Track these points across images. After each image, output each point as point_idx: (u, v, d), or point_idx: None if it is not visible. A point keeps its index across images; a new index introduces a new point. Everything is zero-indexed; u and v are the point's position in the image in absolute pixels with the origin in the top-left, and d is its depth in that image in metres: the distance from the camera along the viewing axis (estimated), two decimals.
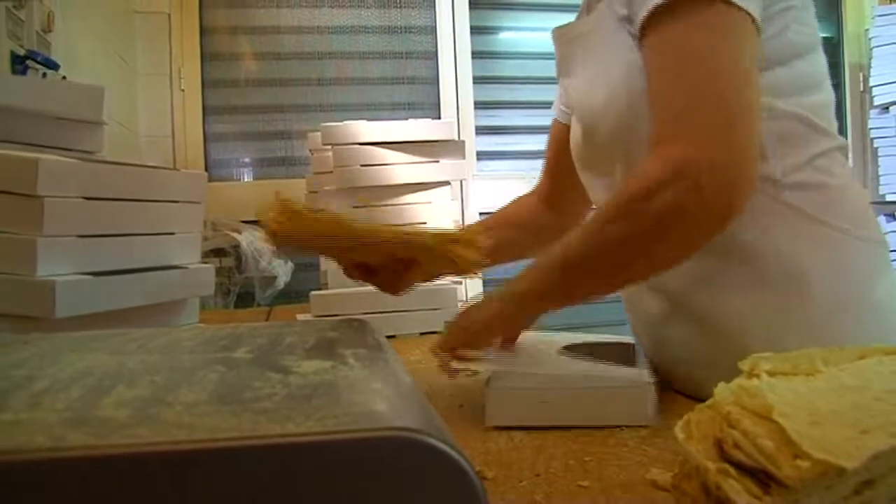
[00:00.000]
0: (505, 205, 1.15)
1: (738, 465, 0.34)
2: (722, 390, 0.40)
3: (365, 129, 1.38)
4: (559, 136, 1.04)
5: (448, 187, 1.43)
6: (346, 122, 1.39)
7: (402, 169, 1.38)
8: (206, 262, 1.04)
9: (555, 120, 1.08)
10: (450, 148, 1.41)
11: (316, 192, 1.48)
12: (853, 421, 0.35)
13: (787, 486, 0.31)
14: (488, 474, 0.54)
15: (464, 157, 1.42)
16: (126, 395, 0.30)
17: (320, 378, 0.32)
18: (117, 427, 0.25)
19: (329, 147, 1.41)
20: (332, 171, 1.40)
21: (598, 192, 0.90)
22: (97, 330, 0.53)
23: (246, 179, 2.75)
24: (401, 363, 0.41)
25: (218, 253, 2.22)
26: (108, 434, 0.24)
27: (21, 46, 1.51)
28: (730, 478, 0.33)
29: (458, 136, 2.67)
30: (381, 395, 0.29)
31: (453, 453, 0.24)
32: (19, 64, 1.46)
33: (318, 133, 1.44)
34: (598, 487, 0.51)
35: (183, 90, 2.64)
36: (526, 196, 1.15)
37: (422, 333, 1.27)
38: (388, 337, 1.22)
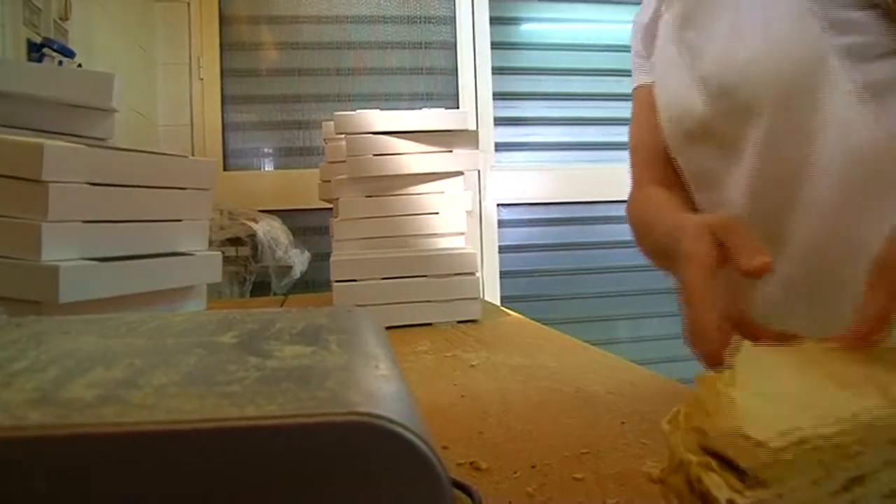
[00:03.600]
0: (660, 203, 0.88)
1: (722, 458, 0.33)
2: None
3: (378, 119, 1.38)
4: (648, 104, 0.94)
5: (461, 177, 1.42)
6: (359, 112, 1.39)
7: (414, 158, 1.37)
8: (218, 251, 1.04)
9: (641, 90, 0.97)
10: (463, 138, 1.40)
11: (329, 181, 1.48)
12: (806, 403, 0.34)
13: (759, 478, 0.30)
14: (482, 465, 0.53)
15: (477, 147, 1.41)
16: (101, 376, 0.30)
17: (298, 362, 0.32)
18: (80, 407, 0.25)
19: (342, 136, 1.40)
20: (344, 161, 1.39)
21: (707, 169, 0.82)
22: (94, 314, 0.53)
23: (265, 169, 2.76)
24: (390, 350, 0.40)
25: (234, 242, 2.23)
26: (68, 414, 0.24)
27: (38, 34, 1.52)
28: (711, 471, 0.32)
29: (476, 126, 2.66)
30: (353, 380, 0.28)
31: (416, 440, 0.23)
32: (36, 52, 1.48)
33: (332, 122, 1.44)
34: (593, 479, 0.51)
35: (202, 79, 2.65)
36: (658, 192, 0.92)
37: (459, 322, 1.26)
38: (410, 326, 1.22)
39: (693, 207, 0.87)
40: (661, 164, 0.94)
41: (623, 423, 0.64)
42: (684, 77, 0.83)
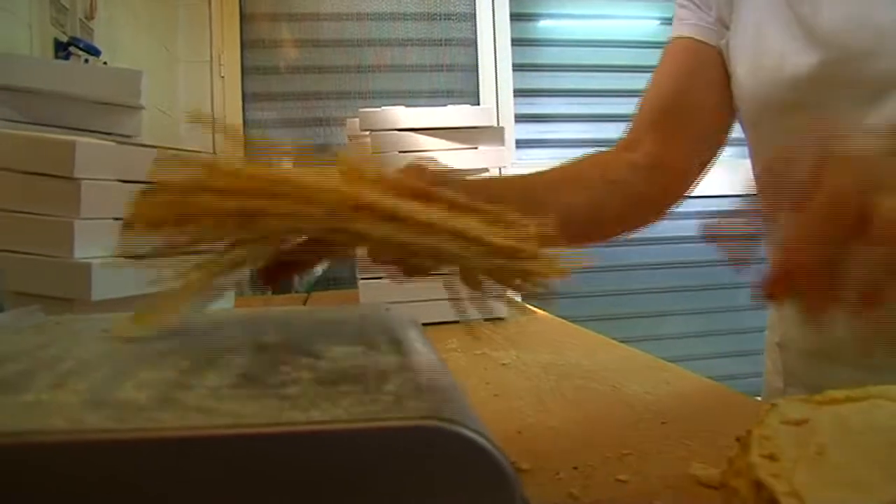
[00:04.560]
0: (568, 162, 0.78)
1: None
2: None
3: (403, 115, 1.37)
4: (691, 66, 0.82)
5: (487, 175, 1.41)
6: (384, 108, 1.38)
7: (440, 156, 1.36)
8: None
9: (685, 43, 0.83)
10: (489, 134, 1.39)
11: None
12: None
13: None
14: (524, 466, 0.52)
15: (503, 144, 1.40)
16: (150, 377, 0.29)
17: (349, 364, 0.31)
18: (137, 410, 0.24)
19: (367, 133, 1.40)
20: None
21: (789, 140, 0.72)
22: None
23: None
24: (434, 350, 0.39)
25: None
26: (126, 417, 0.23)
27: (64, 33, 1.52)
28: (777, 477, 0.31)
29: (497, 124, 2.65)
30: (412, 382, 0.27)
31: (487, 445, 0.22)
32: (62, 50, 1.48)
33: (357, 119, 1.43)
34: (638, 481, 0.50)
35: (223, 77, 2.65)
36: (603, 153, 0.82)
37: (485, 319, 1.25)
38: (436, 324, 1.21)
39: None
40: (649, 128, 0.82)
41: (663, 423, 0.63)
42: (787, 33, 0.71)
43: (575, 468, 0.52)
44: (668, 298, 2.85)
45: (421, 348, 0.37)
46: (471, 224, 0.37)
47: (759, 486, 0.33)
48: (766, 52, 0.74)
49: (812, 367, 0.79)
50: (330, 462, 0.21)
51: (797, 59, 0.70)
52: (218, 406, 0.24)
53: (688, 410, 0.67)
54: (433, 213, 0.36)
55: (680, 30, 0.84)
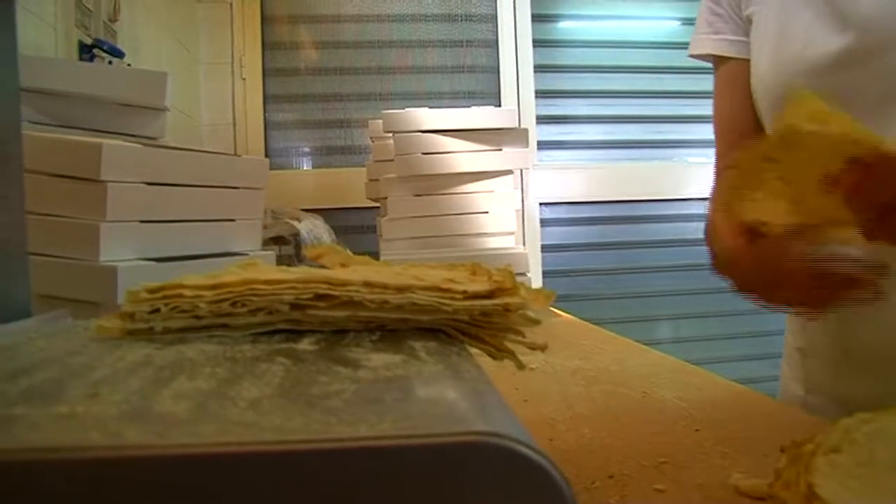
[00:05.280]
0: None
1: None
2: None
3: (427, 117, 1.36)
4: (741, 82, 0.80)
5: (511, 176, 1.40)
6: (407, 110, 1.37)
7: (464, 157, 1.36)
8: (266, 250, 1.03)
9: (732, 69, 0.82)
10: (513, 136, 1.38)
11: (377, 179, 1.47)
12: None
13: None
14: None
15: (527, 146, 1.39)
16: (186, 387, 0.29)
17: (391, 374, 0.30)
18: (177, 423, 0.23)
19: (390, 135, 1.39)
20: (392, 159, 1.38)
21: None
22: None
23: (305, 168, 2.76)
24: (472, 357, 0.38)
25: (277, 241, 2.22)
26: (166, 431, 0.23)
27: (88, 35, 1.53)
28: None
29: (519, 125, 2.64)
30: (460, 394, 0.26)
31: (545, 462, 0.21)
32: (86, 53, 1.48)
33: (380, 120, 1.43)
34: (676, 491, 0.48)
35: (244, 79, 2.65)
36: None
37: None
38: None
39: None
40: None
41: (697, 430, 0.62)
42: (817, 15, 0.68)
43: (610, 477, 0.51)
44: (688, 301, 2.83)
45: (458, 354, 0.36)
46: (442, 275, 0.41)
47: (810, 498, 0.32)
48: (790, 35, 0.71)
49: (837, 375, 0.77)
50: (377, 479, 0.20)
51: (824, 42, 0.67)
52: (260, 420, 0.23)
53: (720, 416, 0.66)
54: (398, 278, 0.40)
55: (720, 47, 0.82)
